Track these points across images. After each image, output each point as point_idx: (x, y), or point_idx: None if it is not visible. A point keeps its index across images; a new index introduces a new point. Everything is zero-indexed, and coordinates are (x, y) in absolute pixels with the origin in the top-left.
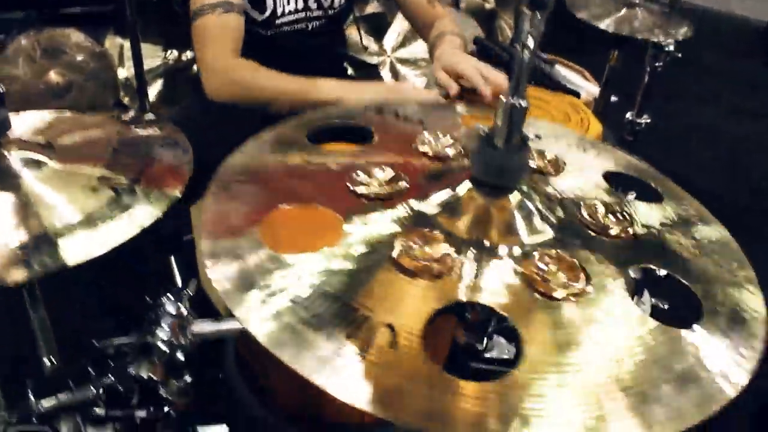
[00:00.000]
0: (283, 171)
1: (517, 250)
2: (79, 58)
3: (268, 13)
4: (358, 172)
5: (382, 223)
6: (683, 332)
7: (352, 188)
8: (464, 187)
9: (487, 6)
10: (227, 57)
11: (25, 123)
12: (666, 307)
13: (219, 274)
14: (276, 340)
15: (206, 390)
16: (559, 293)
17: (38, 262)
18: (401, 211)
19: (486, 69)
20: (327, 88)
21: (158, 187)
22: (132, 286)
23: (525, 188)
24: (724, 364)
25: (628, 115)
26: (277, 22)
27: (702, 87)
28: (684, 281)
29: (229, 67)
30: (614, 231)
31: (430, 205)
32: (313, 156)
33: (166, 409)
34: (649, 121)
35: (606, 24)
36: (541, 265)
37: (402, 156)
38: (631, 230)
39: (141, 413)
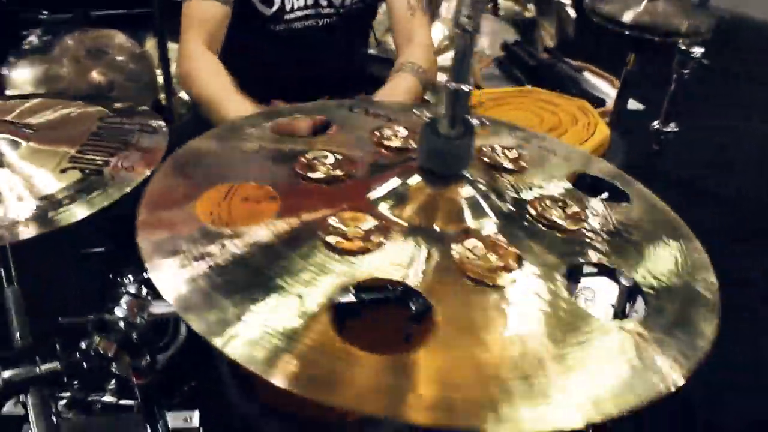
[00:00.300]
0: (235, 154)
1: (454, 236)
2: (120, 58)
3: (275, 8)
4: (307, 156)
5: (319, 204)
6: (616, 325)
7: (297, 171)
8: (411, 175)
9: (527, 14)
10: (194, 44)
11: (15, 105)
12: None
13: (146, 240)
14: (185, 301)
15: (186, 378)
16: (488, 278)
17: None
18: (341, 194)
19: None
20: (233, 107)
21: (127, 170)
22: (107, 266)
23: (475, 178)
24: (655, 361)
25: (654, 123)
26: (286, 17)
27: (731, 95)
28: (629, 277)
29: (191, 55)
30: (565, 227)
31: (376, 192)
32: (267, 141)
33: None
34: (676, 129)
35: (627, 17)
36: (475, 251)
37: (358, 147)
38: (583, 227)
39: (101, 396)
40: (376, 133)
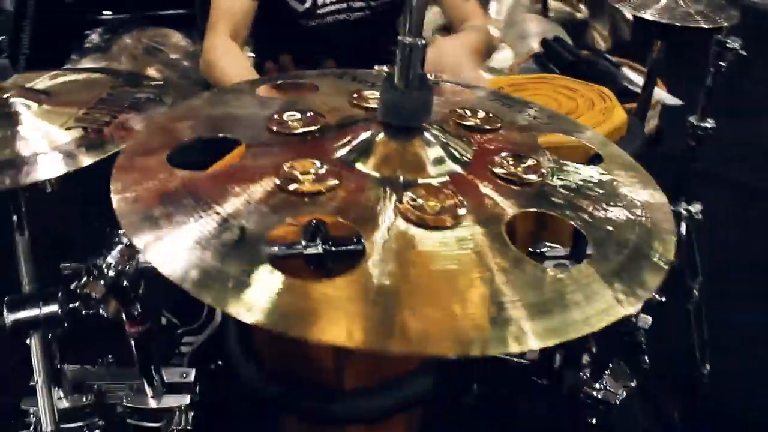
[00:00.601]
0: (218, 112)
1: (404, 184)
2: (175, 56)
3: (308, 4)
4: (281, 112)
5: (282, 155)
6: (551, 270)
7: (267, 125)
8: (374, 129)
9: (579, 15)
10: (217, 36)
11: (35, 76)
12: (663, 300)
13: (116, 181)
14: (134, 226)
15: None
16: (424, 220)
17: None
18: (308, 148)
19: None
20: None
21: (126, 131)
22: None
23: (436, 132)
24: (590, 302)
25: (691, 118)
26: (318, 12)
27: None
28: (573, 224)
29: (211, 46)
30: (524, 179)
31: (340, 143)
32: (250, 98)
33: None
34: (714, 125)
35: (650, 14)
36: (421, 196)
37: (334, 107)
38: (542, 182)
39: None
40: (355, 95)
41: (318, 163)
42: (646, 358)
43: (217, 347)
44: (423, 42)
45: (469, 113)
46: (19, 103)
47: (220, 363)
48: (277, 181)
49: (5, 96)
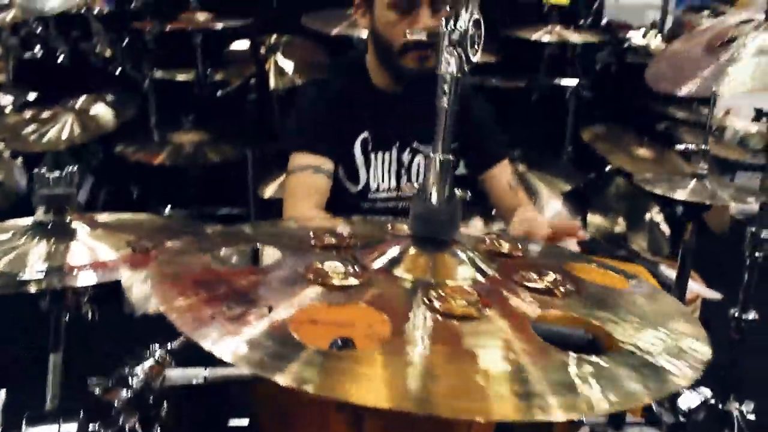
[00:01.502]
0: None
1: (430, 285)
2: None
3: (361, 186)
4: (319, 234)
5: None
6: (570, 358)
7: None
8: (404, 243)
9: (617, 229)
10: (302, 209)
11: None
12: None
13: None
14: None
15: None
16: (442, 309)
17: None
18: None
19: (559, 222)
20: None
21: None
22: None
23: (463, 247)
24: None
25: (732, 311)
26: (370, 196)
27: None
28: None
29: (303, 217)
30: (545, 289)
31: (375, 256)
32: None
33: None
34: (757, 317)
35: (679, 195)
36: (445, 294)
37: (374, 230)
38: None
39: None
40: (389, 226)
41: (342, 266)
42: None
43: None
44: (451, 158)
45: (497, 243)
46: (78, 226)
47: None
48: (310, 276)
49: (68, 219)
